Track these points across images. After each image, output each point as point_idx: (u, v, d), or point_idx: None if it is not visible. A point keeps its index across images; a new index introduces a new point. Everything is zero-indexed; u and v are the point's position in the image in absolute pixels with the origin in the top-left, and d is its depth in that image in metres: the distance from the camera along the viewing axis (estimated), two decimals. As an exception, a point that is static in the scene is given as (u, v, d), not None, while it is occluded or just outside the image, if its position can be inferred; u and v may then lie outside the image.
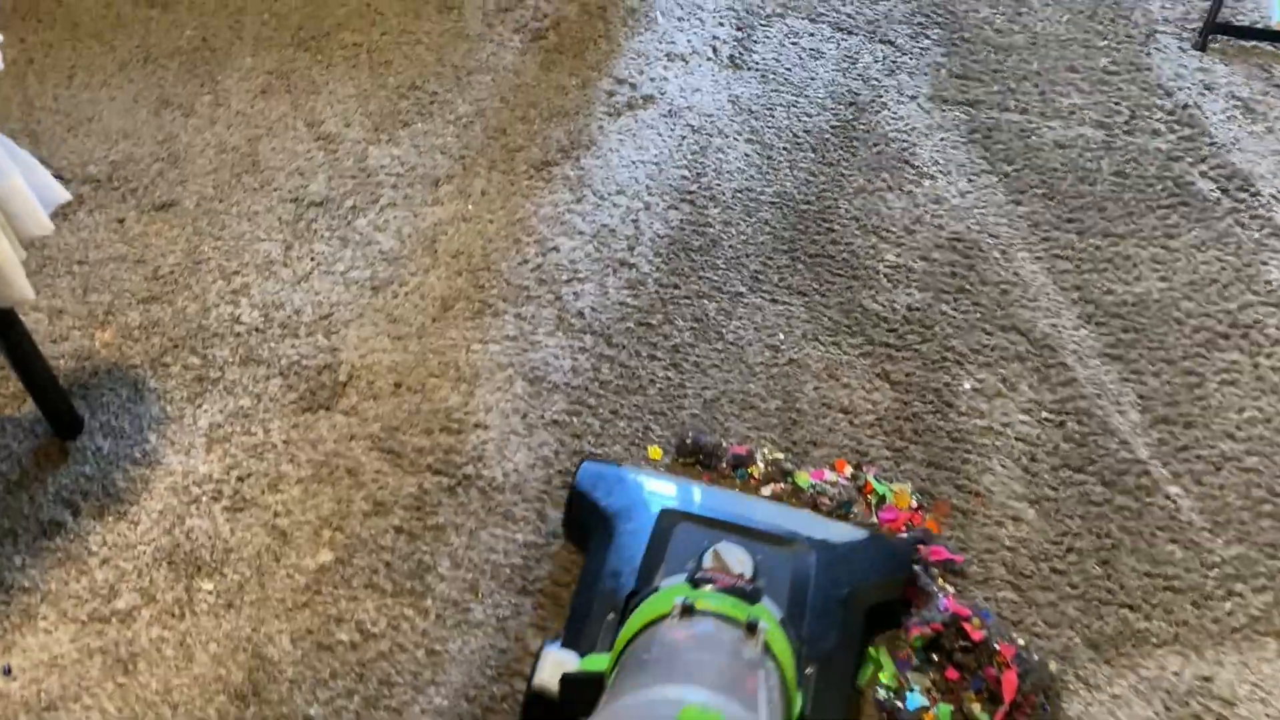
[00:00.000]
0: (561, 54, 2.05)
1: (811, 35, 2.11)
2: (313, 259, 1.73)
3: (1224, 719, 1.35)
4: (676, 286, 1.72)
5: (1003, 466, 1.55)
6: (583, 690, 1.14)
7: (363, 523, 1.45)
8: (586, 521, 1.40)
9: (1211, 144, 1.97)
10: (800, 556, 1.34)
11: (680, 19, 2.12)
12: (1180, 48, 2.14)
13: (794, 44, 2.09)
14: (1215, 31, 2.15)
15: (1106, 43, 2.13)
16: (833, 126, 1.95)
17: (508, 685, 1.32)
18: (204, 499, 1.46)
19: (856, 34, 2.11)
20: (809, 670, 1.22)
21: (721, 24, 2.12)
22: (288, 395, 1.57)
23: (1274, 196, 1.89)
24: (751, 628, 1.10)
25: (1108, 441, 1.58)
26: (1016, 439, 1.58)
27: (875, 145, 1.93)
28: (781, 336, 1.67)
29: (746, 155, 1.91)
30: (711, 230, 1.80)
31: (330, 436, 1.53)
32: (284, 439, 1.53)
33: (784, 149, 1.92)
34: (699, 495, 1.43)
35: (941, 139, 1.95)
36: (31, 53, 2.00)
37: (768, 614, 1.15)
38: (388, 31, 2.06)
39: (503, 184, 1.84)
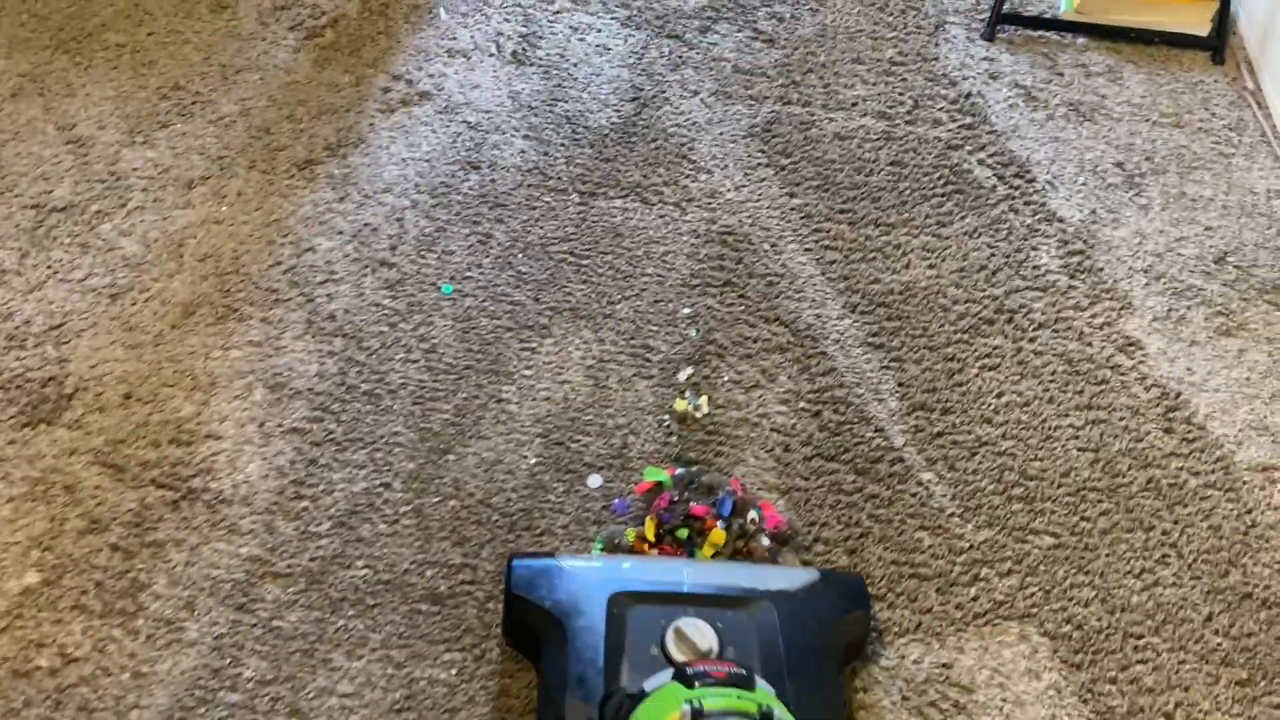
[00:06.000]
0: (337, 51, 1.99)
1: (599, 31, 2.07)
2: (49, 267, 1.64)
3: (960, 706, 1.34)
4: (437, 287, 1.67)
5: (755, 458, 1.53)
6: None
7: (76, 541, 1.37)
8: (532, 626, 1.28)
9: (991, 132, 1.98)
10: (761, 614, 1.27)
11: (465, 15, 2.08)
12: (969, 38, 2.15)
13: (581, 40, 2.06)
14: (1003, 22, 2.17)
15: (895, 34, 2.14)
16: (613, 123, 1.92)
17: (219, 707, 1.25)
18: (-98, 523, 1.37)
19: (645, 29, 2.09)
20: None
21: (508, 20, 2.08)
22: (8, 410, 1.48)
23: (1049, 182, 1.91)
24: (767, 717, 1.03)
25: (863, 430, 1.57)
26: (772, 430, 1.56)
27: (654, 141, 1.90)
28: (550, 343, 1.63)
29: (523, 152, 1.86)
30: (480, 228, 1.75)
31: (50, 452, 1.45)
32: (-2, 456, 1.44)
33: (561, 145, 1.88)
34: (641, 571, 1.32)
35: (721, 133, 1.93)
36: None
37: (770, 697, 1.08)
38: (155, 32, 1.98)
39: (261, 184, 1.77)
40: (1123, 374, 1.66)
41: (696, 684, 1.06)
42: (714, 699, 1.04)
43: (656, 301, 1.69)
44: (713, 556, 1.39)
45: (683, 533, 1.41)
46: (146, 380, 1.53)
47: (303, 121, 1.87)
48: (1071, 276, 1.77)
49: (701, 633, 1.23)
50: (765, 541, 1.41)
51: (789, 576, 1.33)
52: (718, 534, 1.40)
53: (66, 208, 1.71)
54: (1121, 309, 1.74)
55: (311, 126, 1.86)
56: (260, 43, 1.98)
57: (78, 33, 1.97)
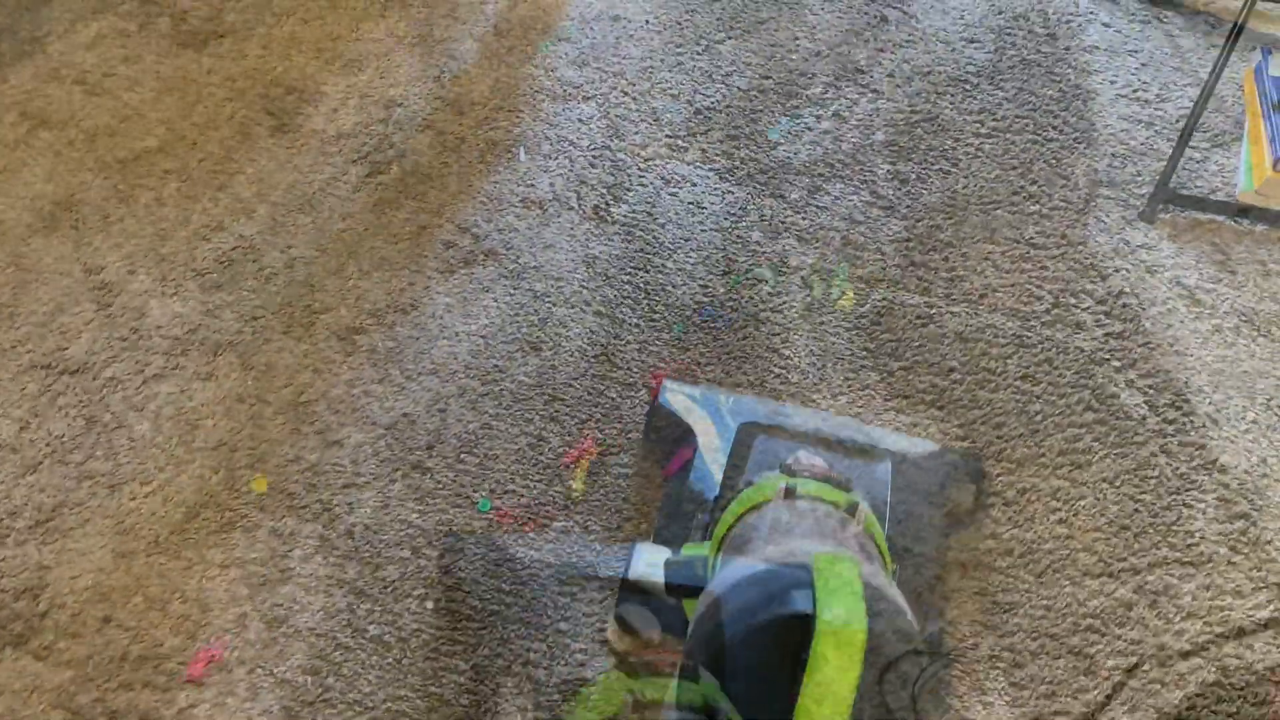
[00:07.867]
0: (401, 193, 1.79)
1: (694, 184, 1.83)
2: (49, 444, 1.47)
3: None
4: (473, 502, 1.45)
5: (825, 775, 1.26)
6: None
7: (18, 811, 1.19)
8: (669, 434, 1.44)
9: (1145, 344, 1.67)
10: (877, 464, 1.36)
11: (547, 156, 1.86)
12: (1124, 217, 1.84)
13: (672, 194, 1.82)
14: (1167, 201, 1.86)
15: (1038, 208, 1.84)
16: (697, 301, 1.68)
17: None
18: None
19: (746, 185, 1.84)
20: (893, 566, 1.22)
21: (593, 165, 1.85)
22: (-27, 626, 1.31)
23: (1210, 417, 1.59)
24: (852, 509, 1.15)
25: (961, 746, 1.29)
26: (849, 735, 1.29)
27: (742, 328, 1.65)
28: (595, 586, 1.39)
29: (592, 331, 1.63)
30: (531, 429, 1.53)
31: (11, 686, 1.27)
32: (-47, 687, 1.27)
33: (636, 326, 1.64)
34: (776, 410, 1.45)
35: (822, 323, 1.66)
36: None
37: (860, 499, 1.18)
38: (207, 158, 1.81)
39: (295, 356, 1.58)
40: (1292, 695, 1.35)
41: (798, 475, 1.20)
42: (808, 485, 1.17)
43: (726, 540, 1.44)
44: None
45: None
46: (131, 600, 1.34)
47: (351, 279, 1.67)
48: (1232, 549, 1.46)
49: (817, 464, 1.27)
50: None
51: (910, 442, 1.44)
52: None
53: (79, 370, 1.54)
54: (1294, 601, 1.42)
55: (360, 285, 1.66)
56: (318, 177, 1.79)
57: (126, 154, 1.81)
